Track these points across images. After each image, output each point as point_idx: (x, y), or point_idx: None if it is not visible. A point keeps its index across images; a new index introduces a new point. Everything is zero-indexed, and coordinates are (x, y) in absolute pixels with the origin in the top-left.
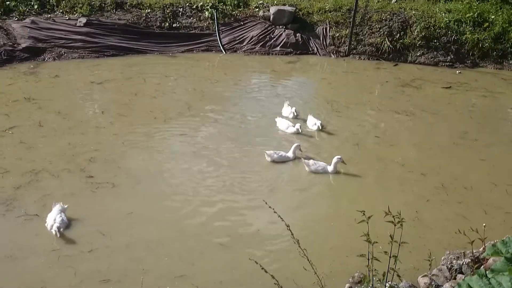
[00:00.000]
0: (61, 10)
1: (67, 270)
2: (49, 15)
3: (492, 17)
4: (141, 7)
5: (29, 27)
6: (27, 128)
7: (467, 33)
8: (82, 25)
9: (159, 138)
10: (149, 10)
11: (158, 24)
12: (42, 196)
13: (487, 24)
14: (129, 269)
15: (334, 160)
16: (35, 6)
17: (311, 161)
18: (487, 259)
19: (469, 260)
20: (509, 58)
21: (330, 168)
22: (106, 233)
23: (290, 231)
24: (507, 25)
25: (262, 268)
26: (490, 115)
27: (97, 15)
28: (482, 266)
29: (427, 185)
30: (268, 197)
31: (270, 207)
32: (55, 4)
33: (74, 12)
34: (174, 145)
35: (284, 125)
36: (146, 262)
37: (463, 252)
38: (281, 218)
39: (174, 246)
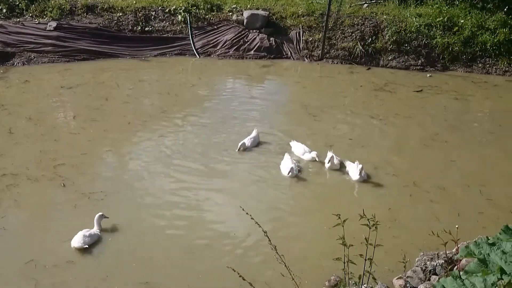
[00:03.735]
0: (30, 14)
1: (28, 282)
2: (18, 19)
3: (462, 21)
4: (113, 10)
5: None
6: None
7: (437, 37)
8: (52, 29)
9: (134, 144)
10: (120, 14)
11: (130, 27)
12: (14, 202)
13: (456, 28)
14: (93, 277)
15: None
16: (4, 10)
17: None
18: (460, 260)
19: (443, 261)
20: (478, 62)
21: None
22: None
23: (268, 237)
24: (476, 29)
25: (240, 276)
26: (461, 118)
27: (68, 18)
28: (456, 267)
29: (399, 186)
30: (241, 201)
31: (247, 213)
32: (24, 8)
33: (44, 16)
34: (150, 151)
35: (300, 150)
36: (112, 268)
37: (437, 254)
38: (258, 224)
39: (142, 253)
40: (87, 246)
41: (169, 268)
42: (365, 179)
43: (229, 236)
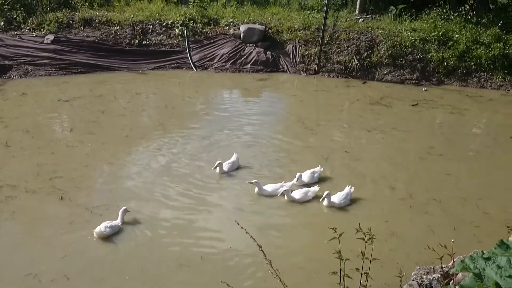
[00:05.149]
0: (28, 27)
1: None
2: (15, 32)
3: (456, 36)
4: (110, 24)
5: None
6: None
7: (432, 51)
8: (49, 42)
9: (132, 157)
10: (118, 27)
11: (128, 41)
12: (12, 214)
13: (451, 42)
14: None
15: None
16: (1, 23)
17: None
18: (456, 274)
19: (439, 275)
20: (473, 76)
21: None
22: (69, 258)
23: (263, 251)
24: (470, 43)
25: None
26: (456, 131)
27: (65, 32)
28: (451, 281)
29: (396, 199)
30: (236, 216)
31: (242, 227)
32: (22, 21)
33: (42, 29)
34: (148, 164)
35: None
36: (106, 282)
37: (433, 268)
38: (253, 238)
39: (138, 266)
40: (106, 233)
41: (164, 282)
42: (335, 205)
43: (224, 250)
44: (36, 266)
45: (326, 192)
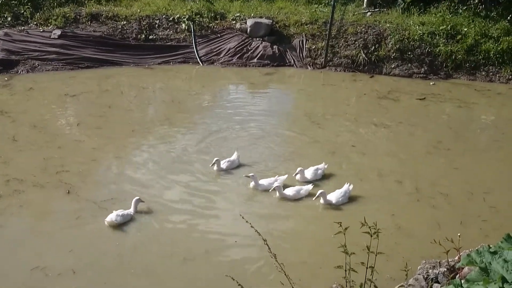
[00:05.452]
0: (35, 22)
1: None
2: (23, 27)
3: (465, 29)
4: (117, 19)
5: (2, 40)
6: (0, 142)
7: (441, 45)
8: (56, 37)
9: (138, 151)
10: (125, 22)
11: (134, 36)
12: (19, 207)
13: (460, 36)
14: (93, 286)
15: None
16: (9, 18)
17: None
18: (463, 268)
19: (445, 270)
20: (481, 70)
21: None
22: (76, 252)
23: (268, 245)
24: (479, 37)
25: (239, 285)
26: (464, 125)
27: (72, 27)
28: (458, 275)
29: (403, 193)
30: (240, 212)
31: (247, 221)
32: (29, 16)
33: (49, 24)
34: (154, 159)
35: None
36: (112, 276)
37: (439, 262)
38: (258, 232)
39: (143, 260)
40: (117, 222)
41: (169, 276)
42: (331, 203)
43: (229, 245)
44: (43, 260)
45: (319, 191)
